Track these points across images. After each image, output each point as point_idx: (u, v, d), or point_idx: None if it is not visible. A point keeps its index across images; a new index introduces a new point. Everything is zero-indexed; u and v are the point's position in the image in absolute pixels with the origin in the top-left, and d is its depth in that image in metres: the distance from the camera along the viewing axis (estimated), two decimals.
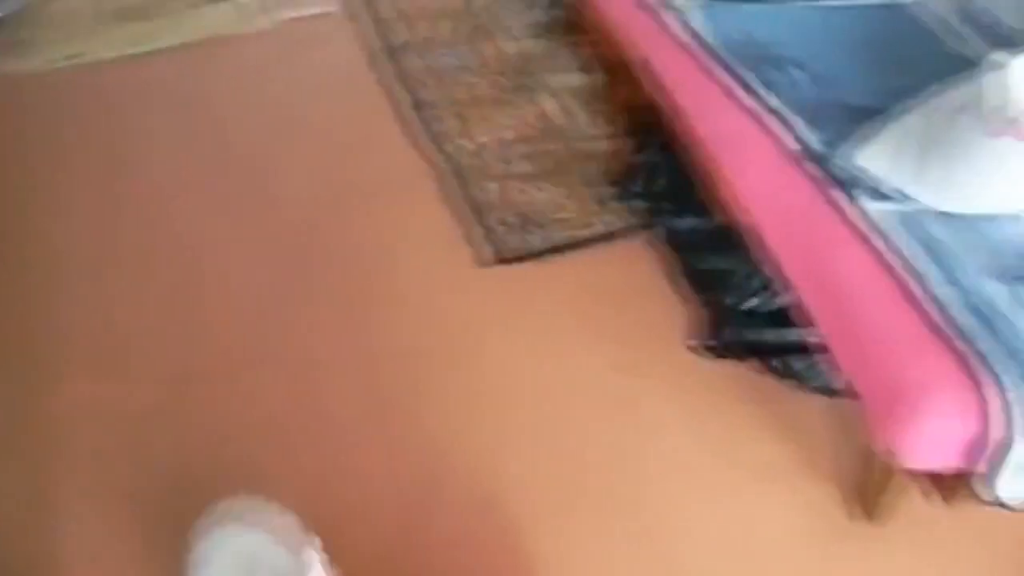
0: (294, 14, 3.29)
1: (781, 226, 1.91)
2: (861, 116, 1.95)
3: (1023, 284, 1.66)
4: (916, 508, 1.87)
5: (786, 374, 2.14)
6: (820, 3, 2.32)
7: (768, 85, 2.03)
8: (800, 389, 2.14)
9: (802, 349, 2.07)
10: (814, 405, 2.12)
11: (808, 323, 1.87)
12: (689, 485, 2.02)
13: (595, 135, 2.77)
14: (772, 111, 1.99)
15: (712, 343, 2.22)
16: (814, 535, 1.96)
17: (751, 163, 1.97)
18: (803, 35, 2.18)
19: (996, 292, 1.66)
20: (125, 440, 2.06)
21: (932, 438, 1.61)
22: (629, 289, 2.39)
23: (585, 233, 2.51)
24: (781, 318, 2.09)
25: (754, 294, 2.14)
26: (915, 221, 1.77)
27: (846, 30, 2.23)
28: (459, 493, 1.98)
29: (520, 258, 2.46)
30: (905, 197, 1.80)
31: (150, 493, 1.96)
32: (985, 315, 1.63)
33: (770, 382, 2.17)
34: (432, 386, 2.17)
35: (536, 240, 2.50)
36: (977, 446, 1.59)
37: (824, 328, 1.82)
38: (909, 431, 1.61)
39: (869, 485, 1.95)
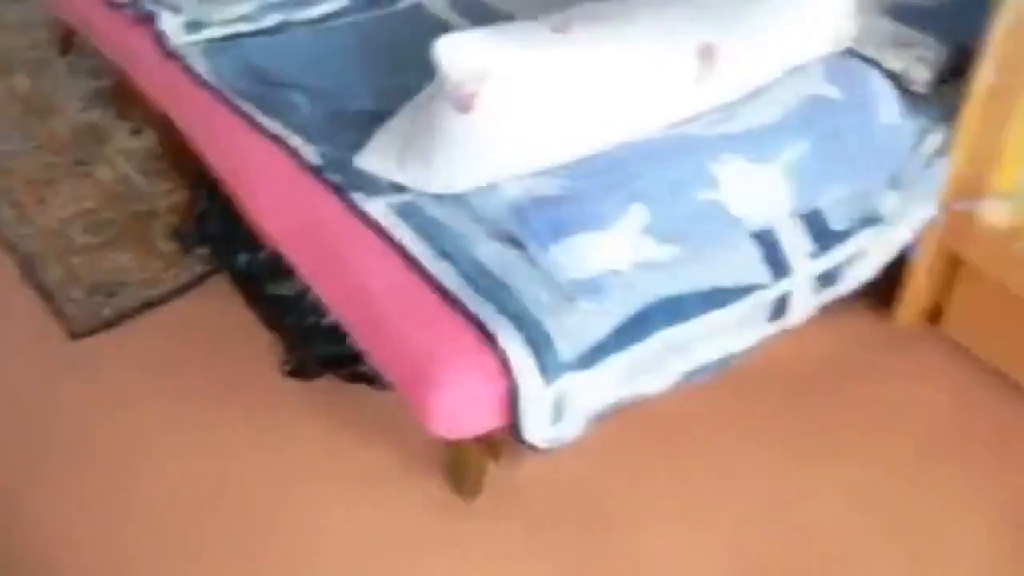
0: None
1: (302, 242, 1.95)
2: (365, 122, 2.03)
3: (511, 247, 1.77)
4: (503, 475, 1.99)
5: (372, 380, 2.19)
6: (324, 24, 2.41)
7: (271, 113, 2.08)
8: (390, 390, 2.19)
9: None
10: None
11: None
12: (302, 508, 2.04)
13: (157, 194, 2.75)
14: (277, 137, 2.03)
15: (295, 366, 2.25)
16: (424, 525, 2.01)
17: (267, 190, 2.02)
18: (305, 58, 2.25)
19: (489, 258, 1.76)
20: None
21: (456, 405, 1.69)
22: (220, 332, 2.39)
23: (162, 290, 2.49)
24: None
25: (310, 312, 2.18)
26: (413, 209, 1.85)
27: (352, 44, 2.32)
28: None
29: (103, 327, 2.41)
30: (401, 189, 1.88)
31: None
32: (480, 281, 1.73)
33: (362, 390, 2.22)
34: (35, 476, 2.10)
35: (114, 308, 2.45)
36: (495, 403, 1.69)
37: (353, 328, 1.88)
38: (434, 404, 1.68)
39: (456, 465, 2.03)
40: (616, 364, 1.75)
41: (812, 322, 2.13)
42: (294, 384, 2.27)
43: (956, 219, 2.19)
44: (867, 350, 2.34)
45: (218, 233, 2.43)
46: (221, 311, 2.44)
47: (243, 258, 2.35)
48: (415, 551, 1.97)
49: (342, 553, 1.97)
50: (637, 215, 1.75)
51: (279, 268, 2.25)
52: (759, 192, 1.85)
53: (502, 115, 1.73)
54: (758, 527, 2.00)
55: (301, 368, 2.25)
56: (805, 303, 1.98)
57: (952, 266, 2.28)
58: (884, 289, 2.34)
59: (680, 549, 1.96)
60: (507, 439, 1.78)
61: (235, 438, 2.17)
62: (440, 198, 1.86)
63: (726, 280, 1.85)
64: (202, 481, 2.09)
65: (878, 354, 2.34)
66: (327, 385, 2.25)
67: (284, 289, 2.25)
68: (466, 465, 1.99)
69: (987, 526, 2.01)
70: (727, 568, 1.93)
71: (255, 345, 2.34)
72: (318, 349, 2.20)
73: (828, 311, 2.17)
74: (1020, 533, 2.00)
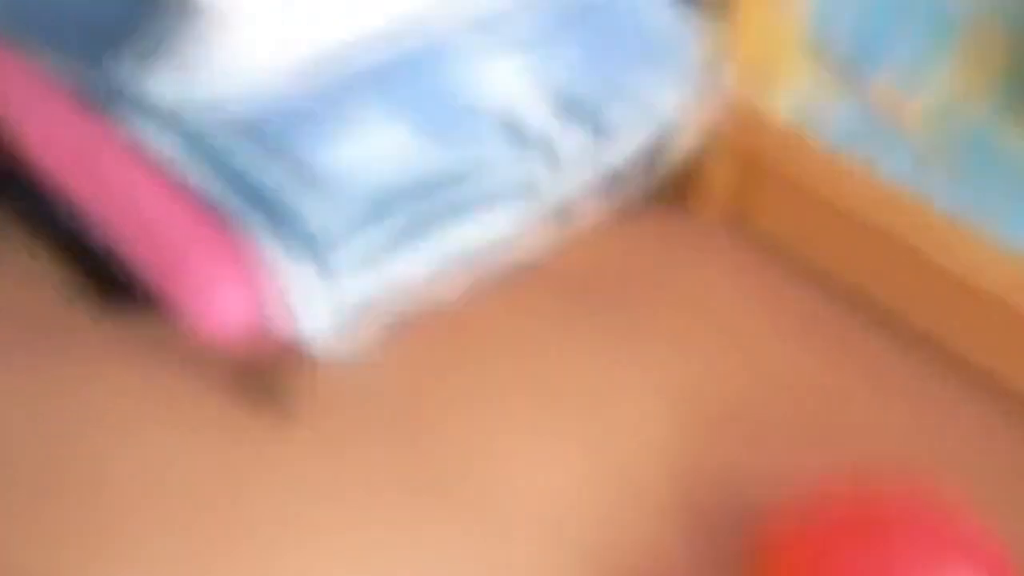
0: None
1: (69, 167, 1.89)
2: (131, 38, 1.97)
3: (269, 150, 1.75)
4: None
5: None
6: None
7: (30, 41, 2.00)
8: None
9: None
10: None
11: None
12: (114, 456, 1.97)
13: None
14: (37, 64, 1.96)
15: (106, 305, 2.21)
16: (234, 452, 1.97)
17: (32, 119, 1.95)
18: None
19: (248, 163, 1.73)
20: None
21: (225, 313, 1.67)
22: (26, 289, 2.34)
23: None
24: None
25: (98, 244, 2.13)
26: (173, 120, 1.80)
27: None
28: None
29: None
30: (163, 101, 1.84)
31: None
32: (240, 187, 1.71)
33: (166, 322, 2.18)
34: None
35: None
36: (273, 308, 1.68)
37: (125, 248, 1.84)
38: (202, 314, 1.66)
39: (258, 386, 2.02)
40: (380, 256, 1.75)
41: (612, 225, 2.17)
42: (98, 326, 2.22)
43: (743, 116, 2.24)
44: (671, 251, 2.37)
45: (12, 187, 2.36)
46: (20, 264, 2.38)
47: (37, 207, 2.29)
48: (229, 479, 1.94)
49: (155, 494, 1.92)
50: (391, 112, 1.76)
51: (62, 208, 2.20)
52: (517, 87, 1.87)
53: (239, 13, 1.72)
54: (580, 429, 2.03)
55: (100, 302, 2.21)
56: (580, 199, 1.99)
57: (748, 163, 2.34)
58: (687, 190, 2.39)
59: (505, 454, 1.98)
60: (299, 353, 1.77)
61: (41, 392, 2.11)
62: (201, 107, 1.82)
63: (486, 176, 1.85)
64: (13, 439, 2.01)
65: (683, 254, 2.37)
66: (128, 322, 2.21)
67: (75, 226, 2.20)
68: (267, 385, 1.98)
69: (803, 413, 2.07)
70: (548, 473, 1.96)
71: (55, 290, 2.29)
72: (111, 280, 2.15)
73: (628, 214, 2.21)
74: (828, 416, 2.06)
